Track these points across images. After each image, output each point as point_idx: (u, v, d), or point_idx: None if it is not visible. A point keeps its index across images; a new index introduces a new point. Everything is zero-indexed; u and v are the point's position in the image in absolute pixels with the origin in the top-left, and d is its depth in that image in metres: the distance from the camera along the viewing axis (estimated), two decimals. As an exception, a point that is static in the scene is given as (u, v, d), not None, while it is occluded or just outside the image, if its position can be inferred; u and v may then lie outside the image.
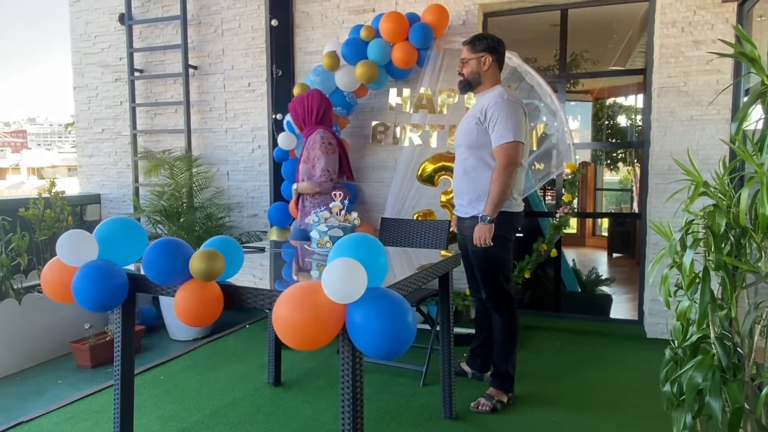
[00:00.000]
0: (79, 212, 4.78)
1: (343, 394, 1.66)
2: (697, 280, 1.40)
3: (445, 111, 3.85)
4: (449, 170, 3.77)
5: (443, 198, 3.90)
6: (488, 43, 2.62)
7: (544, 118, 3.71)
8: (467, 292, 3.66)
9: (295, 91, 3.89)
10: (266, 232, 4.39)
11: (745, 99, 2.13)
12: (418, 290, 2.61)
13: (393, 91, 4.01)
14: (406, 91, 3.98)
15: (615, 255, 7.29)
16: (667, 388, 1.48)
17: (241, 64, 4.59)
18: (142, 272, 1.87)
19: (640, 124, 5.78)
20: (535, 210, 4.73)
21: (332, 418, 2.55)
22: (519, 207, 2.67)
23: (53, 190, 3.82)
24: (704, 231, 1.43)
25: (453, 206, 3.00)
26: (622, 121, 8.31)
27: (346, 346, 1.64)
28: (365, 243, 1.61)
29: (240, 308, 3.90)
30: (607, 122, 8.30)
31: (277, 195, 4.25)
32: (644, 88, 3.92)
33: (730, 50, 1.58)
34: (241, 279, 1.94)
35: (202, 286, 1.77)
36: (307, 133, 3.29)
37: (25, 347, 3.28)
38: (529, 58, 4.60)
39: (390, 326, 1.46)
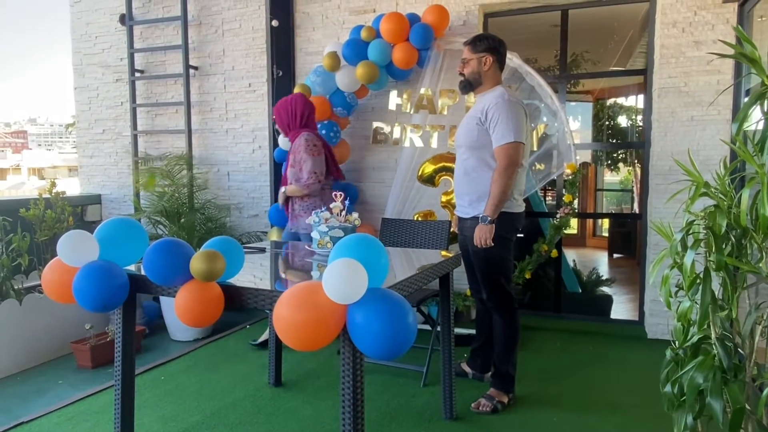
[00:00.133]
0: (79, 213, 4.78)
1: (344, 394, 1.66)
2: (698, 281, 1.40)
3: (445, 111, 3.85)
4: (450, 171, 3.77)
5: (444, 198, 3.90)
6: (489, 44, 2.62)
7: (545, 119, 3.71)
8: (468, 292, 3.66)
9: (296, 91, 3.89)
10: (266, 232, 4.39)
11: (746, 100, 2.13)
12: (419, 291, 2.61)
13: (393, 92, 4.01)
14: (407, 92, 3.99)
15: (615, 255, 7.29)
16: (667, 388, 1.48)
17: (241, 64, 4.59)
18: (143, 273, 1.87)
19: (641, 124, 5.78)
20: (536, 210, 4.73)
21: (333, 419, 2.55)
22: (520, 207, 2.67)
23: (54, 191, 3.83)
24: (705, 231, 1.42)
25: (454, 207, 3.00)
26: (622, 121, 8.32)
27: (346, 347, 1.64)
28: (366, 243, 1.61)
29: (241, 309, 3.90)
30: (607, 123, 8.30)
31: (278, 195, 4.24)
32: (645, 88, 3.92)
33: (731, 51, 1.58)
34: (241, 279, 1.94)
35: (202, 287, 1.77)
36: (293, 137, 3.29)
37: (26, 347, 3.28)
38: (529, 58, 4.60)
39: (391, 327, 1.46)
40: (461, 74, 2.68)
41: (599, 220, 8.68)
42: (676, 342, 1.51)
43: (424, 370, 2.97)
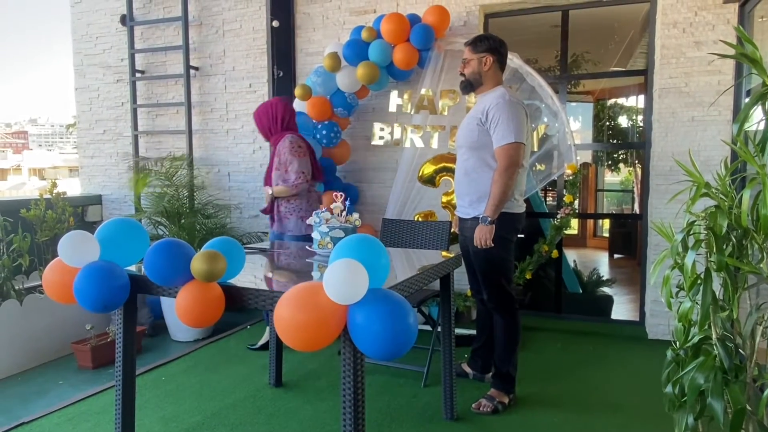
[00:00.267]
0: (80, 213, 4.79)
1: (345, 395, 1.66)
2: (699, 281, 1.40)
3: (446, 112, 3.85)
4: (450, 171, 3.77)
5: (444, 199, 3.90)
6: (490, 44, 2.62)
7: (546, 119, 3.71)
8: (468, 293, 3.66)
9: (297, 92, 3.89)
10: (267, 233, 4.39)
11: (747, 100, 2.13)
12: (420, 291, 2.61)
13: (394, 92, 4.01)
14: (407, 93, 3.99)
15: (616, 256, 7.28)
16: (668, 389, 1.48)
17: (242, 65, 4.59)
18: (144, 273, 1.87)
19: (641, 125, 5.78)
20: (537, 211, 4.73)
21: (333, 419, 2.55)
22: (520, 208, 2.67)
23: (54, 191, 3.83)
24: (706, 232, 1.43)
25: (454, 207, 3.00)
26: (623, 122, 8.32)
27: (347, 347, 1.64)
28: (366, 244, 1.61)
29: (241, 309, 3.90)
30: (608, 123, 8.30)
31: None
32: (645, 88, 3.92)
33: (732, 51, 1.58)
34: (242, 280, 1.94)
35: (203, 287, 1.77)
36: (275, 141, 3.29)
37: (27, 348, 3.29)
38: (530, 59, 4.60)
39: (391, 327, 1.46)
40: (462, 74, 2.69)
41: (600, 221, 8.67)
42: (677, 342, 1.51)
43: (425, 371, 2.97)
